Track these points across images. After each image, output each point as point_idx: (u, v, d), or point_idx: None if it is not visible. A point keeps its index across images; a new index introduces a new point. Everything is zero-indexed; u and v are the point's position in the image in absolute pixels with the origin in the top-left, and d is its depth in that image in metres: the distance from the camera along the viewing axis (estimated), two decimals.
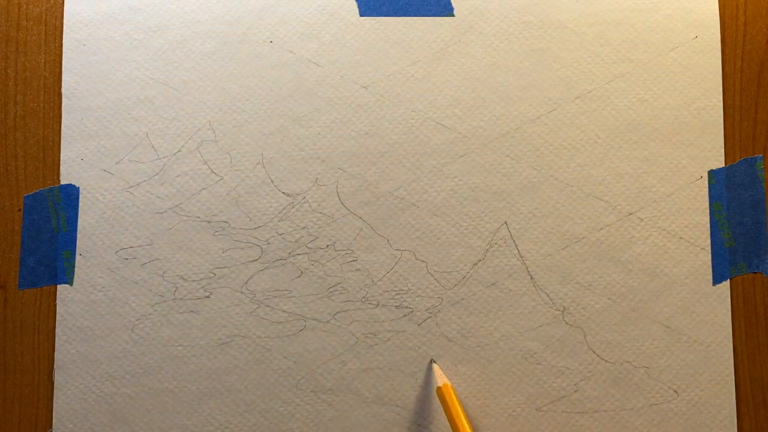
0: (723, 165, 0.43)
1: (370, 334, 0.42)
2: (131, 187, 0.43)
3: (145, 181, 0.43)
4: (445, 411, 0.39)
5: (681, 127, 0.43)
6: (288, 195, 0.43)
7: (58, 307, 0.42)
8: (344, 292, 0.42)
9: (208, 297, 0.42)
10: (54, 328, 0.42)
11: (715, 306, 0.42)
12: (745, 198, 0.43)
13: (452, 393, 0.40)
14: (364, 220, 0.43)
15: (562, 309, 0.42)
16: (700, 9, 0.44)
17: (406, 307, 0.42)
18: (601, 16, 0.44)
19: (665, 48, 0.44)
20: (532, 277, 0.42)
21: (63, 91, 0.43)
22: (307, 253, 0.43)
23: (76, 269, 0.42)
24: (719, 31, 0.44)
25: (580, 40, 0.44)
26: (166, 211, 0.43)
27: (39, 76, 0.43)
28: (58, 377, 0.42)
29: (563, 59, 0.44)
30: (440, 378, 0.41)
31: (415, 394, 0.42)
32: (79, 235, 0.42)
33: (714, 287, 0.43)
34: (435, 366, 0.42)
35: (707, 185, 0.43)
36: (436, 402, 0.42)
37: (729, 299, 0.43)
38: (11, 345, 0.42)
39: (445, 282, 0.43)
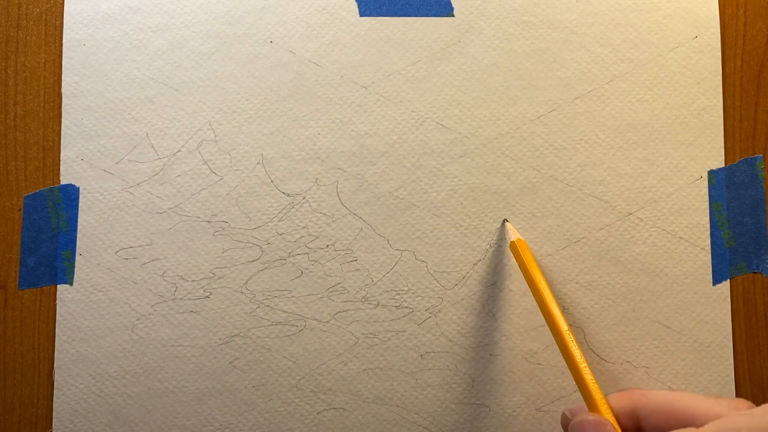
0: (723, 165, 0.43)
1: (370, 334, 0.42)
2: (131, 187, 0.43)
3: (145, 181, 0.43)
4: (519, 264, 0.41)
5: (681, 127, 0.44)
6: (288, 195, 0.43)
7: (58, 307, 0.42)
8: (344, 292, 0.42)
9: (208, 297, 0.42)
10: (54, 328, 0.42)
11: (715, 306, 0.42)
12: (745, 198, 0.43)
13: (526, 247, 0.41)
14: (364, 220, 0.43)
15: (561, 308, 0.42)
16: (700, 9, 0.44)
17: (406, 307, 0.42)
18: (601, 16, 0.44)
19: (665, 48, 0.44)
20: None
21: (63, 91, 0.43)
22: (307, 253, 0.43)
23: (76, 269, 0.42)
24: (719, 31, 0.44)
25: (580, 40, 0.44)
26: (166, 211, 0.43)
27: (39, 76, 0.43)
28: (58, 377, 0.42)
29: (563, 59, 0.44)
30: (513, 234, 0.42)
31: (415, 394, 0.42)
32: (79, 235, 0.42)
33: (714, 287, 0.43)
34: (508, 224, 0.43)
35: (707, 185, 0.43)
36: (436, 401, 0.42)
37: (729, 299, 0.43)
38: (11, 345, 0.42)
39: (445, 282, 0.43)
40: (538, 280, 0.39)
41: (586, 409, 0.35)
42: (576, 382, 0.35)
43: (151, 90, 0.43)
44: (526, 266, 0.40)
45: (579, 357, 0.35)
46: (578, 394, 0.42)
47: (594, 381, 0.35)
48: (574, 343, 0.36)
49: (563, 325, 0.37)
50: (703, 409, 0.33)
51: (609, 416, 0.34)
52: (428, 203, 0.43)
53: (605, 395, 0.35)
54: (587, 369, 0.35)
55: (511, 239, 0.42)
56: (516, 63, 0.44)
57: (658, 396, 0.35)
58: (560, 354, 0.42)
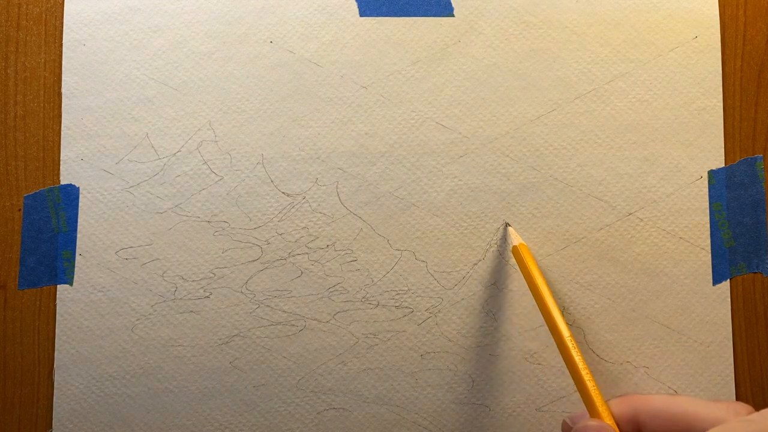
0: (723, 165, 0.43)
1: (370, 334, 0.42)
2: (131, 187, 0.43)
3: (145, 181, 0.43)
4: (521, 269, 0.41)
5: (681, 127, 0.43)
6: (288, 195, 0.43)
7: (58, 307, 0.42)
8: (344, 292, 0.42)
9: (208, 297, 0.42)
10: (54, 328, 0.42)
11: (715, 306, 0.42)
12: (745, 198, 0.43)
13: (527, 252, 0.41)
14: (364, 220, 0.43)
15: (561, 309, 0.42)
16: (700, 9, 0.44)
17: (406, 307, 0.42)
18: (601, 16, 0.44)
19: (665, 48, 0.44)
20: None
21: (63, 91, 0.43)
22: (307, 253, 0.43)
23: (76, 269, 0.42)
24: (719, 31, 0.44)
25: (580, 40, 0.44)
26: (166, 211, 0.43)
27: (39, 76, 0.43)
28: (58, 377, 0.42)
29: (563, 59, 0.44)
30: (515, 238, 0.42)
31: (415, 394, 0.42)
32: (79, 235, 0.42)
33: (714, 287, 0.43)
34: (510, 228, 0.42)
35: (707, 185, 0.43)
36: (436, 401, 0.42)
37: (729, 299, 0.43)
38: (11, 345, 0.42)
39: (445, 282, 0.43)
40: (540, 284, 0.39)
41: (587, 415, 0.35)
42: (578, 388, 0.35)
43: (151, 90, 0.43)
44: (528, 270, 0.40)
45: (581, 363, 0.35)
46: (578, 394, 0.42)
47: (595, 387, 0.35)
48: (576, 350, 0.36)
49: (565, 331, 0.37)
50: (702, 414, 0.33)
51: (610, 422, 0.34)
52: (428, 203, 0.43)
53: (606, 401, 0.35)
54: (589, 375, 0.35)
55: (513, 243, 0.42)
56: (516, 63, 0.44)
57: (658, 401, 0.35)
58: (560, 355, 0.42)
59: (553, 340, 0.42)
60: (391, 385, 0.42)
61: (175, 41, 0.44)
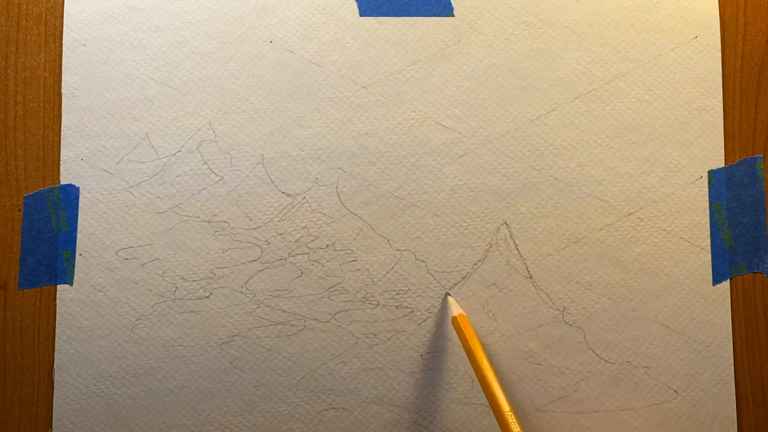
0: (723, 165, 0.43)
1: (370, 334, 0.42)
2: (131, 187, 0.43)
3: (145, 181, 0.43)
4: (460, 339, 0.40)
5: (681, 127, 0.43)
6: (288, 195, 0.43)
7: (58, 307, 0.42)
8: (344, 292, 0.42)
9: (208, 297, 0.42)
10: (54, 328, 0.42)
11: (715, 306, 0.42)
12: (745, 198, 0.43)
13: (467, 323, 0.40)
14: (364, 220, 0.43)
15: (561, 309, 0.42)
16: (700, 9, 0.44)
17: (406, 307, 0.42)
18: (601, 16, 0.44)
19: (665, 48, 0.44)
20: (532, 277, 0.42)
21: (63, 91, 0.43)
22: (307, 253, 0.43)
23: (76, 269, 0.42)
24: (719, 31, 0.44)
25: (580, 40, 0.44)
26: (166, 211, 0.43)
27: (39, 76, 0.43)
28: (58, 377, 0.42)
29: (563, 59, 0.44)
30: (455, 309, 0.41)
31: (415, 394, 0.42)
32: (79, 235, 0.42)
33: (714, 287, 0.43)
34: (450, 298, 0.42)
35: (707, 185, 0.43)
36: (436, 401, 0.42)
37: (729, 299, 0.43)
38: (11, 345, 0.42)
39: (445, 282, 0.43)
40: (480, 356, 0.38)
41: None
42: None
43: (151, 90, 0.43)
44: (467, 342, 0.39)
45: None
46: (578, 394, 0.42)
47: None
48: (516, 425, 0.35)
49: (505, 406, 0.36)
50: None
51: None
52: (428, 203, 0.43)
53: None
54: None
55: (453, 314, 0.41)
56: (516, 63, 0.44)
57: None
58: (560, 354, 0.42)
59: (552, 339, 0.42)
60: (391, 385, 0.42)
61: (175, 41, 0.44)
